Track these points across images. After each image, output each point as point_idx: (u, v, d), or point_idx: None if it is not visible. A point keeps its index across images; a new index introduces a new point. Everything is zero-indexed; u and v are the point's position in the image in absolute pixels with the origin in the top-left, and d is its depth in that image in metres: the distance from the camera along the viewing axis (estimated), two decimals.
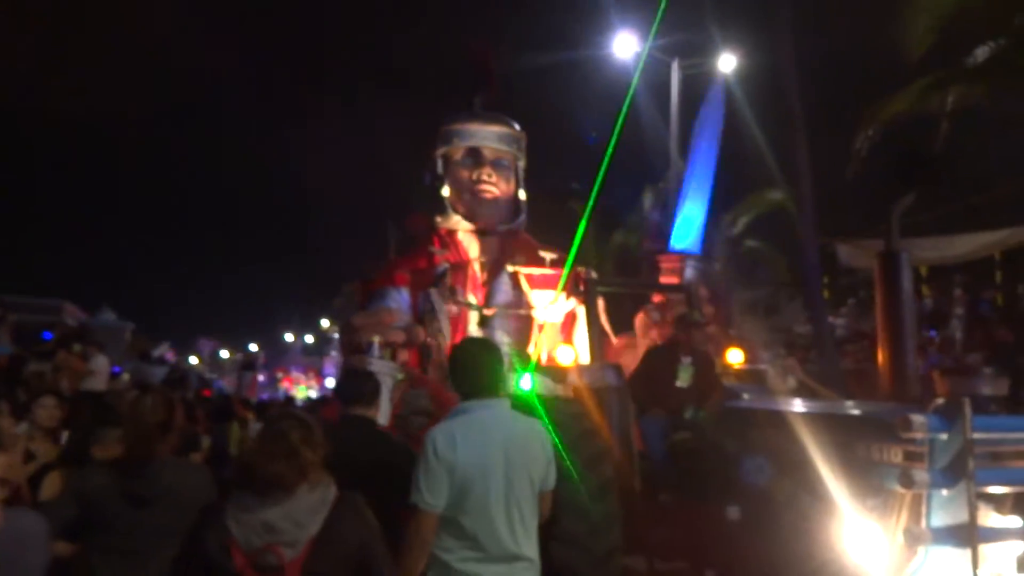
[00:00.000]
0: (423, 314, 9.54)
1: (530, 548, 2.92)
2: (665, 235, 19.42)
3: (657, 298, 9.62)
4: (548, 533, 4.40)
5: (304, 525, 2.29)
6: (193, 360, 48.61)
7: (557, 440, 4.63)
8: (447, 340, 9.31)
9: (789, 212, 16.28)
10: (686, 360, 5.50)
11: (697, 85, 18.61)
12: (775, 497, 3.68)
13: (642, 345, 9.15)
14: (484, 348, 3.18)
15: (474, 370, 2.98)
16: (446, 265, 9.67)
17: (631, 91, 13.05)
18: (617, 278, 10.93)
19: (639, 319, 9.59)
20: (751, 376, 5.39)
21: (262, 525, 2.28)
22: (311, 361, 61.96)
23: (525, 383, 9.95)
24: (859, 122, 11.35)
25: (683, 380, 5.31)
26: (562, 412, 4.87)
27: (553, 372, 5.33)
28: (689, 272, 9.83)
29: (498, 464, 2.83)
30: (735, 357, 5.73)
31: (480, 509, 2.78)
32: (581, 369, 5.01)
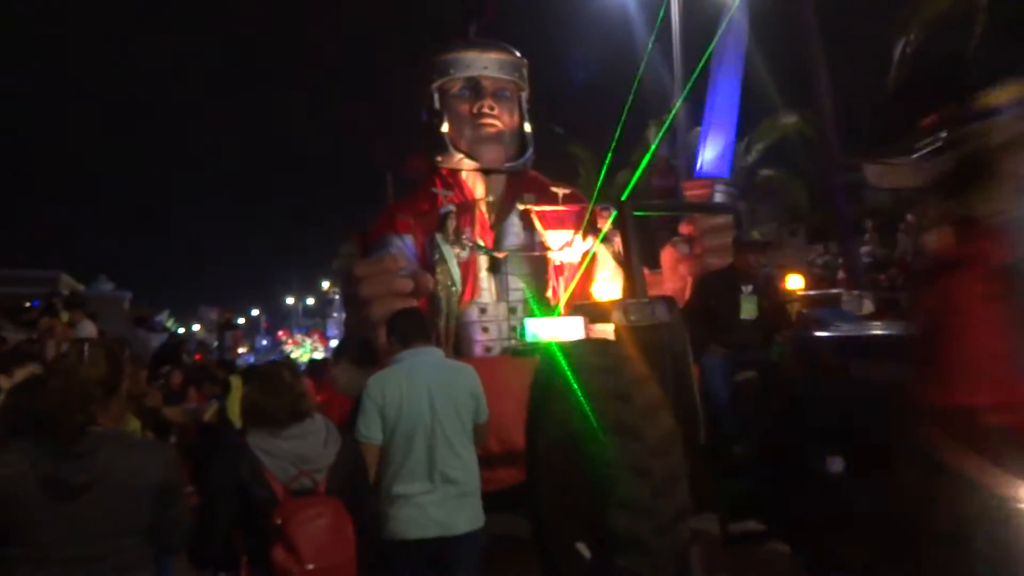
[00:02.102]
0: (431, 261, 8.75)
1: (461, 472, 3.43)
2: (674, 170, 18.59)
3: (685, 229, 8.83)
4: (605, 499, 3.73)
5: (326, 453, 2.79)
6: (195, 327, 48.09)
7: (602, 389, 3.93)
8: (458, 288, 8.54)
9: (806, 137, 15.34)
10: (747, 288, 4.71)
11: (698, 9, 17.49)
12: (893, 446, 2.99)
13: (670, 280, 8.39)
14: (413, 311, 4.00)
15: (405, 327, 3.63)
16: (451, 207, 8.84)
17: (659, 17, 11.90)
18: (654, 201, 10.01)
19: (666, 253, 8.80)
20: (823, 302, 4.62)
21: (295, 456, 2.73)
22: (313, 323, 61.64)
23: (534, 329, 9.32)
24: (894, 25, 10.39)
25: (747, 312, 4.55)
26: (607, 356, 4.15)
27: (592, 311, 4.60)
28: (719, 198, 9.01)
29: (423, 402, 3.36)
30: (796, 283, 4.98)
31: (407, 439, 3.31)
32: (626, 306, 4.26)
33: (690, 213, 8.98)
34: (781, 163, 16.85)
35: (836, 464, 3.23)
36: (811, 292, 5.28)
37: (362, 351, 4.25)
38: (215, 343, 37.32)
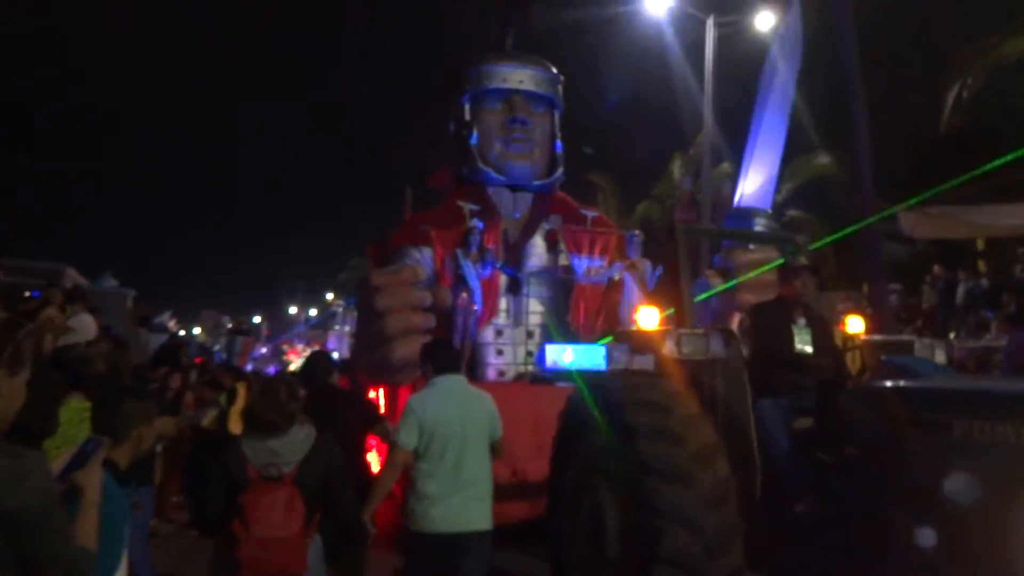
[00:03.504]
0: (449, 276, 8.33)
1: (480, 479, 3.93)
2: (698, 204, 18.18)
3: (719, 264, 8.42)
4: (648, 553, 3.28)
5: (296, 452, 3.27)
6: (196, 330, 47.63)
7: (649, 428, 3.49)
8: (477, 307, 8.11)
9: (839, 180, 14.95)
10: (800, 320, 4.18)
11: (731, 44, 17.21)
12: (990, 520, 2.53)
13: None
14: (447, 342, 4.78)
15: (442, 356, 4.15)
16: (478, 223, 8.43)
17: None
18: (708, 227, 9.43)
19: (697, 287, 8.39)
20: (891, 349, 4.15)
21: (268, 451, 3.25)
22: (315, 334, 61.12)
23: (552, 356, 8.89)
24: (952, 67, 10.00)
25: (801, 346, 4.08)
26: (655, 391, 3.71)
27: (635, 339, 4.17)
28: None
29: (455, 419, 3.89)
30: (856, 326, 4.53)
31: (441, 450, 3.83)
32: (679, 336, 3.83)
33: (738, 243, 8.53)
34: (809, 204, 16.46)
35: (926, 537, 2.78)
36: (876, 337, 4.79)
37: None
38: (215, 347, 36.92)
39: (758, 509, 3.54)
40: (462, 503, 3.81)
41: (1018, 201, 9.97)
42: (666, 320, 4.64)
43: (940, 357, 4.11)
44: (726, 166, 17.91)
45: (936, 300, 13.77)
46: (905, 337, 5.58)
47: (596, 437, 4.04)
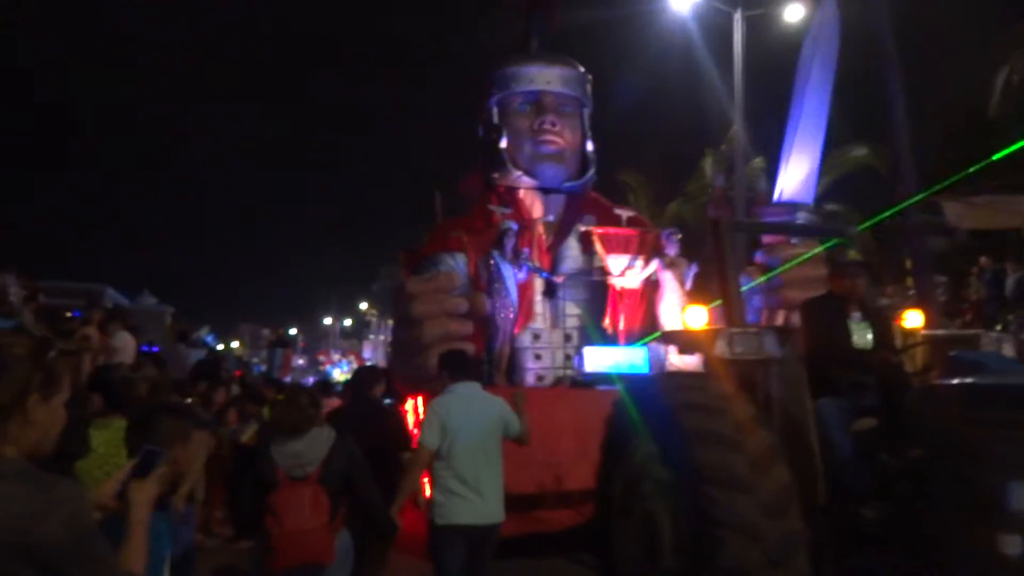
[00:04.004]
0: (484, 282, 8.22)
1: (495, 477, 4.21)
2: (731, 201, 17.85)
3: (760, 259, 8.19)
4: (709, 564, 3.11)
5: (318, 452, 3.64)
6: (235, 344, 48.15)
7: (703, 433, 3.33)
8: (515, 311, 7.99)
9: (876, 172, 14.55)
10: (855, 315, 4.01)
11: (760, 38, 16.89)
12: None
13: None
14: (462, 353, 4.86)
15: (458, 365, 4.44)
16: (512, 225, 8.31)
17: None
18: (755, 221, 9.12)
19: None
20: (958, 343, 3.92)
21: (293, 453, 3.63)
22: (350, 344, 61.51)
23: (592, 360, 8.73)
24: (999, 50, 9.61)
25: (859, 341, 3.89)
26: (708, 393, 3.54)
27: (682, 340, 4.01)
28: None
29: (474, 421, 4.17)
30: (914, 320, 4.31)
31: (462, 450, 4.11)
32: (731, 336, 3.65)
33: (783, 237, 8.27)
34: (847, 198, 16.04)
35: (1013, 545, 2.58)
36: (940, 332, 4.55)
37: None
38: (253, 360, 37.23)
39: (821, 516, 3.35)
40: (481, 498, 4.13)
41: None
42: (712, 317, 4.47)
43: (1008, 351, 3.89)
44: (759, 161, 17.56)
45: (984, 292, 13.31)
46: (971, 331, 5.31)
47: (644, 443, 3.89)
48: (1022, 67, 9.94)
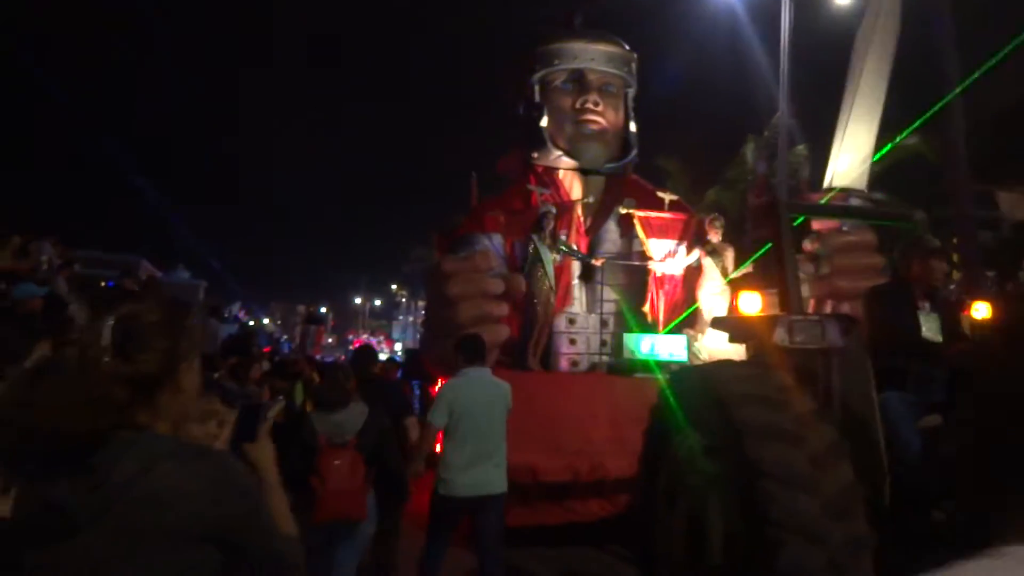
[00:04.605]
0: (521, 263, 8.02)
1: (497, 452, 4.64)
2: (772, 188, 17.41)
3: (809, 247, 7.88)
4: (765, 565, 2.91)
5: (355, 423, 4.16)
6: (265, 320, 48.62)
7: (762, 427, 3.11)
8: (554, 293, 7.79)
9: (927, 161, 14.05)
10: (924, 304, 3.72)
11: (809, 21, 16.35)
12: None
13: None
14: (476, 337, 5.04)
15: (472, 350, 4.79)
16: (551, 207, 8.08)
17: None
18: (814, 203, 8.74)
19: None
20: None
21: (334, 423, 4.15)
22: (379, 324, 61.86)
23: (630, 346, 8.48)
24: None
25: (928, 332, 3.60)
26: (765, 384, 3.32)
27: (736, 326, 3.78)
28: None
29: (480, 403, 4.62)
30: (981, 311, 4.04)
31: (467, 428, 4.53)
32: (791, 323, 3.41)
33: (836, 223, 7.93)
34: (897, 187, 15.51)
35: None
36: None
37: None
38: (283, 336, 37.51)
39: (888, 518, 3.12)
40: (483, 471, 4.52)
41: None
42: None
43: None
44: (802, 148, 17.08)
45: None
46: None
47: (689, 435, 3.68)
48: None
